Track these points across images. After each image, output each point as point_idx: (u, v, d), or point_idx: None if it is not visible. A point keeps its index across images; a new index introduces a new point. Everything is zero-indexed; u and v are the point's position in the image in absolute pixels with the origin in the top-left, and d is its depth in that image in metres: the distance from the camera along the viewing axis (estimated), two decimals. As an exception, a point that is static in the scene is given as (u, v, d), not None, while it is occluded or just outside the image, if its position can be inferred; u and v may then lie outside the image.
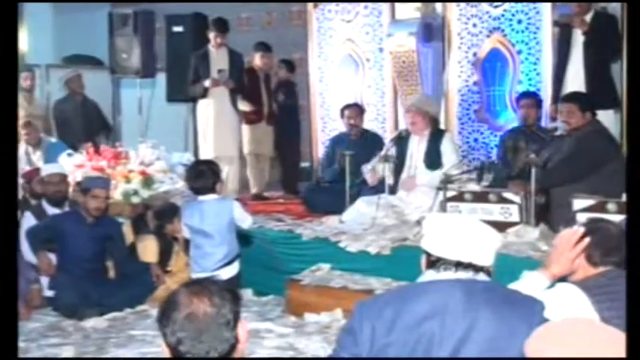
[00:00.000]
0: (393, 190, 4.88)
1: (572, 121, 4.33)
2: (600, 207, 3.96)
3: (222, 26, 5.92)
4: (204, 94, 5.88)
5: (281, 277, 4.57)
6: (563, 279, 2.16)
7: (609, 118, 4.59)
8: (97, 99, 7.01)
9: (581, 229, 2.15)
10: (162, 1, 7.01)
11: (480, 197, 4.41)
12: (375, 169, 4.90)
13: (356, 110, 5.74)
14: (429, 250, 1.84)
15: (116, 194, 5.35)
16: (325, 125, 6.42)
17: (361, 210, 4.81)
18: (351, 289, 4.21)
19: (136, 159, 5.74)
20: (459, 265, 1.79)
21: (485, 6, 5.41)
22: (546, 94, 5.08)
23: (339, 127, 6.03)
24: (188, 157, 6.07)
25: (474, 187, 4.51)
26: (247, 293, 4.58)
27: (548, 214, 4.34)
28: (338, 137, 5.89)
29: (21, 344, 3.52)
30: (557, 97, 4.76)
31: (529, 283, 2.09)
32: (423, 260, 1.87)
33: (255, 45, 6.41)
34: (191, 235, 4.21)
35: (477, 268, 1.79)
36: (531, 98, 4.99)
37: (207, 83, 5.82)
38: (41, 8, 8.24)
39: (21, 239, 4.37)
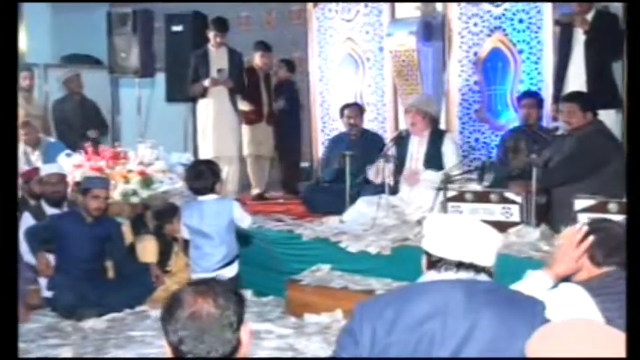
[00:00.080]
0: (393, 191, 4.86)
1: (573, 120, 4.32)
2: (601, 207, 3.96)
3: (221, 25, 5.90)
4: (204, 93, 5.86)
5: (281, 278, 4.56)
6: (566, 279, 2.16)
7: (610, 118, 4.57)
8: (95, 99, 6.98)
9: (585, 227, 2.15)
10: (161, 1, 6.98)
11: (481, 197, 4.41)
12: (378, 168, 4.87)
13: (356, 110, 5.73)
14: (429, 251, 1.84)
15: (115, 194, 5.33)
16: (325, 125, 6.40)
17: (361, 210, 4.80)
18: (351, 290, 4.20)
19: (135, 159, 5.73)
20: (460, 265, 1.78)
21: (486, 5, 5.40)
22: (547, 93, 5.07)
23: (339, 126, 6.01)
24: (187, 157, 6.05)
25: (475, 187, 4.49)
26: (247, 294, 4.56)
27: (550, 214, 4.33)
28: (338, 137, 5.87)
29: (20, 345, 3.49)
30: (558, 97, 4.75)
31: (532, 283, 2.09)
32: (424, 261, 1.86)
33: (255, 44, 6.39)
34: (190, 235, 4.21)
35: (478, 269, 1.79)
36: (532, 98, 4.98)
37: (206, 83, 5.80)
38: (40, 7, 8.22)
39: (19, 240, 4.35)
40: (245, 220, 4.12)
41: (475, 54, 5.47)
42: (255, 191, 6.29)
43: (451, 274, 1.78)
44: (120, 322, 4.28)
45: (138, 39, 6.40)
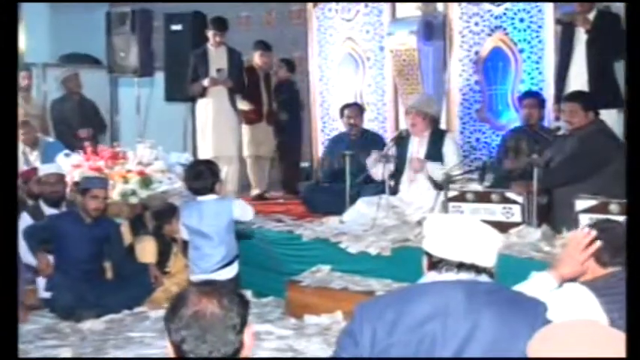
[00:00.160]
0: (393, 191, 4.84)
1: (574, 120, 4.31)
2: (603, 208, 3.95)
3: (221, 25, 5.88)
4: (203, 93, 5.84)
5: (281, 279, 4.55)
6: (571, 280, 2.15)
7: (612, 118, 4.55)
8: (94, 98, 6.96)
9: (593, 232, 2.13)
10: (160, 1, 6.95)
11: (482, 197, 4.40)
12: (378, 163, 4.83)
13: (356, 110, 5.71)
14: (430, 251, 1.83)
15: (114, 194, 5.31)
16: (325, 125, 6.38)
17: (362, 210, 4.78)
18: (351, 291, 4.19)
19: (134, 159, 5.70)
20: (460, 266, 1.78)
21: (487, 4, 5.38)
22: (549, 93, 5.06)
23: (339, 126, 6.00)
24: (187, 157, 6.02)
25: (476, 187, 4.48)
26: (247, 295, 4.54)
27: (551, 214, 4.32)
28: (338, 137, 5.86)
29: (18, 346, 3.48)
30: (559, 97, 4.74)
31: (537, 284, 2.08)
32: (425, 261, 1.86)
33: (255, 44, 6.37)
34: (189, 236, 4.20)
35: (479, 270, 1.78)
36: (533, 98, 4.96)
37: (205, 82, 5.78)
38: (38, 7, 8.19)
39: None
40: (247, 214, 4.12)
41: (476, 53, 5.45)
42: (255, 191, 6.27)
43: (452, 275, 1.77)
44: (118, 323, 4.26)
45: (137, 38, 6.39)
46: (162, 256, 4.70)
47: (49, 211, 4.79)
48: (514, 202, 4.30)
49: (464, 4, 5.45)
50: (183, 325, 1.41)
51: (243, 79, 6.02)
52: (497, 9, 5.34)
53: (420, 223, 4.34)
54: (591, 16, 4.68)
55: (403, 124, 5.41)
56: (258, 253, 4.75)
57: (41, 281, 4.51)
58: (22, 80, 6.43)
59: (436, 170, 4.70)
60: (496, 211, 4.33)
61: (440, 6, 5.54)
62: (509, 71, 5.34)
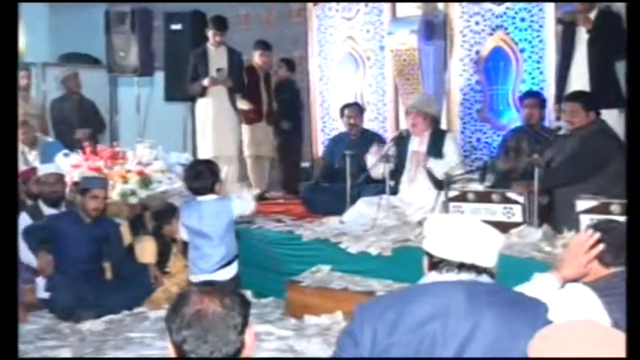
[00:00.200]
0: (394, 191, 4.83)
1: (575, 120, 4.30)
2: (604, 208, 3.94)
3: (220, 24, 5.86)
4: (203, 93, 5.83)
5: (281, 279, 4.54)
6: (573, 280, 2.14)
7: (613, 118, 4.53)
8: (94, 98, 6.94)
9: (597, 234, 2.12)
10: (160, 0, 6.93)
11: (483, 197, 4.40)
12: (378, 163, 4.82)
13: (356, 110, 5.70)
14: (430, 252, 1.83)
15: (113, 194, 5.29)
16: (325, 125, 6.37)
17: (362, 211, 4.77)
18: (351, 291, 4.18)
19: (133, 159, 5.68)
20: (461, 266, 1.77)
21: (487, 3, 5.36)
22: (550, 93, 5.05)
23: (339, 126, 5.99)
24: (186, 157, 6.00)
25: (477, 187, 4.47)
26: (246, 295, 4.53)
27: (552, 214, 4.31)
28: (337, 137, 5.84)
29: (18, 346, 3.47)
30: (560, 97, 4.73)
31: (539, 285, 2.07)
32: (425, 262, 1.86)
33: (255, 43, 6.35)
34: (189, 236, 4.20)
35: (479, 270, 1.78)
36: (534, 97, 4.95)
37: (205, 82, 5.76)
38: (37, 6, 8.16)
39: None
40: (247, 208, 4.15)
41: (477, 53, 5.44)
42: (254, 191, 6.24)
43: (452, 276, 1.77)
44: (118, 324, 4.25)
45: (136, 38, 6.37)
46: (161, 257, 4.69)
47: (48, 211, 4.78)
48: (515, 202, 4.29)
49: (464, 3, 5.44)
50: (184, 324, 1.41)
51: (243, 79, 6.00)
52: (498, 8, 5.33)
53: (420, 223, 4.33)
54: (592, 15, 4.67)
55: (403, 124, 5.40)
56: (257, 254, 4.74)
57: (40, 281, 4.49)
58: (21, 80, 6.40)
59: (437, 166, 4.69)
60: (497, 211, 4.32)
61: (440, 5, 5.53)
62: (510, 71, 5.33)
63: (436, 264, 1.80)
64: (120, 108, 7.95)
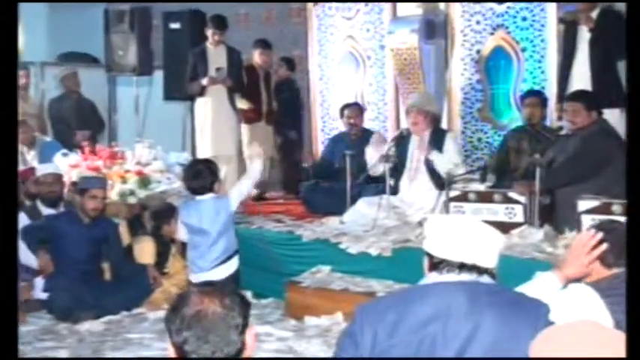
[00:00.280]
0: (394, 191, 4.80)
1: (577, 120, 4.29)
2: (605, 208, 3.93)
3: (220, 23, 5.84)
4: (202, 92, 5.80)
5: (280, 280, 4.52)
6: (575, 280, 2.14)
7: (615, 117, 4.51)
8: (92, 97, 6.92)
9: (600, 234, 2.11)
10: (159, 0, 6.90)
11: (484, 197, 4.39)
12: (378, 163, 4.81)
13: (356, 110, 5.68)
14: (431, 252, 1.82)
15: (112, 194, 5.27)
16: (325, 124, 6.35)
17: (362, 211, 4.76)
18: (351, 292, 4.17)
19: (132, 159, 5.66)
20: (462, 267, 1.77)
21: (488, 3, 5.33)
22: (551, 92, 5.03)
23: (339, 126, 5.97)
24: (185, 157, 5.98)
25: (479, 186, 4.46)
26: (246, 296, 4.51)
27: (553, 214, 4.29)
28: (337, 137, 5.83)
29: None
30: (562, 96, 4.71)
31: (541, 284, 2.07)
32: (426, 262, 1.85)
33: (255, 42, 6.33)
34: (188, 235, 4.18)
35: (480, 270, 1.77)
36: (536, 96, 4.92)
37: (204, 81, 5.74)
38: (36, 5, 8.12)
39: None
40: (245, 189, 4.20)
41: (478, 52, 5.42)
42: (254, 191, 6.22)
43: (453, 276, 1.77)
44: (117, 325, 4.24)
45: (135, 37, 6.35)
46: (160, 257, 4.68)
47: (46, 211, 4.78)
48: (516, 202, 4.28)
49: (465, 2, 5.42)
50: (185, 325, 1.40)
51: (243, 78, 5.98)
52: (499, 7, 5.31)
53: (421, 223, 4.32)
54: (594, 14, 4.65)
55: (404, 124, 5.38)
56: (257, 254, 4.73)
57: (39, 282, 4.48)
58: (20, 79, 6.36)
59: (439, 160, 4.66)
60: (498, 212, 4.31)
61: (441, 4, 5.51)
62: (511, 70, 5.32)
63: (437, 264, 1.80)
64: (119, 107, 7.92)
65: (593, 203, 3.99)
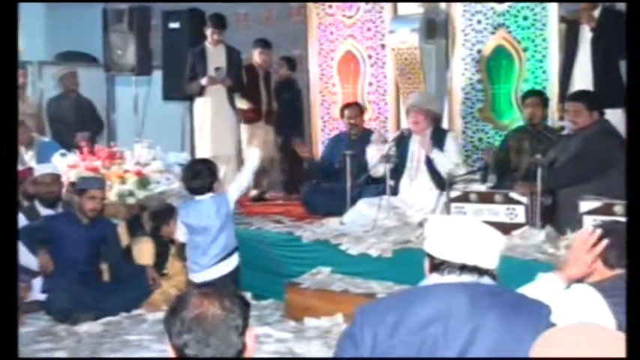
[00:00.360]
0: (394, 191, 4.78)
1: (579, 120, 4.27)
2: (607, 209, 3.92)
3: (219, 22, 5.81)
4: (201, 92, 5.78)
5: (280, 281, 4.50)
6: (578, 281, 2.13)
7: (618, 117, 4.48)
8: (91, 97, 6.90)
9: (599, 231, 2.10)
10: (158, 0, 6.87)
11: (485, 198, 4.38)
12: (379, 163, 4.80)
13: (356, 110, 5.66)
14: (432, 253, 1.82)
15: (111, 195, 5.24)
16: (325, 124, 6.32)
17: (362, 211, 4.75)
18: (352, 293, 4.15)
19: (131, 159, 5.63)
20: (463, 268, 1.76)
21: (489, 2, 5.32)
22: (553, 92, 5.02)
23: (340, 126, 5.95)
24: (185, 157, 5.95)
25: (480, 187, 4.45)
26: (246, 296, 4.49)
27: (555, 215, 4.28)
28: (337, 137, 5.81)
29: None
30: (564, 96, 4.69)
31: (544, 285, 2.06)
32: (426, 263, 1.84)
33: (254, 41, 6.30)
34: (188, 235, 4.18)
35: (481, 272, 1.77)
36: (537, 96, 4.90)
37: (203, 81, 5.71)
38: (34, 4, 8.09)
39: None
40: (244, 179, 4.21)
41: (479, 52, 5.41)
42: (254, 192, 6.20)
43: (454, 277, 1.76)
44: (116, 326, 4.23)
45: (134, 36, 6.32)
46: (159, 258, 4.67)
47: (44, 212, 4.76)
48: (518, 202, 4.26)
49: (466, 2, 5.41)
50: (185, 328, 1.40)
51: (242, 78, 5.96)
52: (500, 6, 5.31)
53: (421, 224, 4.31)
54: (596, 13, 4.62)
55: (405, 124, 5.36)
56: (257, 255, 4.71)
57: (37, 283, 4.47)
58: (18, 79, 6.36)
59: (440, 158, 4.64)
60: (500, 212, 4.30)
61: (442, 3, 5.50)
62: (512, 70, 5.31)
63: (437, 266, 1.79)
64: (117, 107, 7.89)
65: (595, 204, 3.98)
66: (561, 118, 4.71)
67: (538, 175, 4.15)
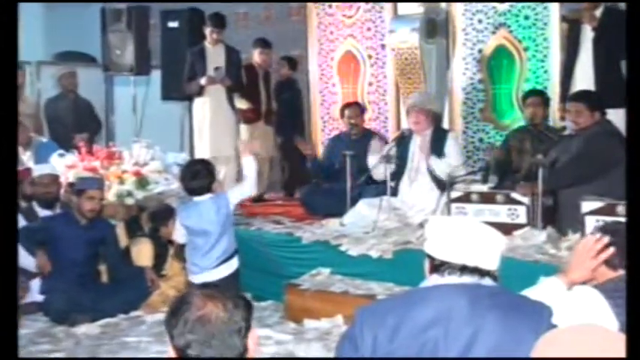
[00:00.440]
0: (395, 192, 4.76)
1: (580, 120, 4.25)
2: (610, 209, 3.90)
3: (218, 22, 5.78)
4: (200, 92, 5.75)
5: (280, 282, 4.49)
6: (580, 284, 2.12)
7: (619, 118, 4.46)
8: (89, 97, 6.87)
9: (606, 238, 2.08)
10: (156, 1, 6.84)
11: (486, 198, 4.36)
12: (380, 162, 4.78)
13: (356, 109, 5.63)
14: (432, 254, 1.81)
15: (109, 195, 5.22)
16: (325, 125, 6.30)
17: (362, 212, 4.73)
18: (352, 294, 4.15)
19: (130, 159, 5.62)
20: (463, 269, 1.75)
21: (490, 2, 5.30)
22: (554, 92, 5.00)
23: (340, 126, 5.93)
24: (184, 157, 5.93)
25: (481, 187, 4.43)
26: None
27: (556, 216, 4.27)
28: (337, 137, 5.79)
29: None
30: (565, 96, 4.67)
31: (546, 289, 2.04)
32: (427, 264, 1.83)
33: (254, 41, 6.27)
34: (188, 237, 4.16)
35: (482, 273, 1.76)
36: (538, 96, 4.88)
37: (203, 81, 5.68)
38: (32, 4, 8.06)
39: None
40: (246, 189, 4.18)
41: (479, 51, 5.38)
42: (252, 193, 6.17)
43: (455, 279, 1.75)
44: (114, 328, 4.22)
45: (133, 36, 6.30)
46: (158, 259, 4.68)
47: (42, 212, 4.75)
48: (519, 202, 4.25)
49: (467, 2, 5.38)
50: (187, 329, 1.39)
51: (242, 78, 5.93)
52: (502, 6, 5.29)
53: (422, 225, 4.30)
54: (598, 13, 4.60)
55: (405, 124, 5.34)
56: (256, 256, 4.70)
57: (35, 284, 4.45)
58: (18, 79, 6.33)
59: (439, 166, 4.64)
60: (501, 213, 4.29)
61: (442, 3, 5.48)
62: (513, 70, 5.29)
63: (438, 267, 1.78)
64: (116, 107, 7.85)
65: (597, 204, 3.97)
66: (562, 118, 4.69)
67: (539, 176, 4.14)
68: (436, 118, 4.92)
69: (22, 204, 4.88)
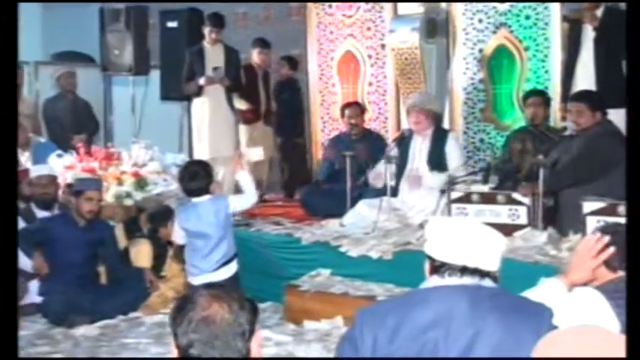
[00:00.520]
0: (395, 193, 4.76)
1: (581, 120, 4.25)
2: (611, 210, 3.90)
3: (217, 21, 5.76)
4: (199, 92, 5.73)
5: (279, 283, 4.47)
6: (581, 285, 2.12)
7: (621, 117, 4.44)
8: (88, 97, 6.86)
9: (606, 238, 2.08)
10: (155, 1, 6.82)
11: (487, 199, 4.35)
12: (379, 171, 4.78)
13: (356, 109, 5.62)
14: (432, 255, 1.80)
15: (108, 196, 5.22)
16: (325, 125, 6.29)
17: (362, 213, 4.72)
18: (352, 296, 4.14)
19: (128, 160, 5.61)
20: (464, 270, 1.75)
21: (491, 1, 5.29)
22: (555, 92, 4.99)
23: (340, 126, 5.91)
24: (182, 158, 5.92)
25: (482, 188, 4.42)
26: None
27: (557, 216, 4.26)
28: (337, 137, 5.77)
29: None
30: (566, 96, 4.66)
31: (546, 290, 2.04)
32: (427, 265, 1.83)
33: (253, 41, 6.26)
34: (187, 238, 4.15)
35: (482, 274, 1.76)
36: (539, 96, 4.86)
37: (202, 81, 5.66)
38: (30, 3, 8.04)
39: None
40: (248, 200, 4.15)
41: (480, 51, 5.37)
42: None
43: (455, 280, 1.75)
44: (113, 329, 4.21)
45: (131, 36, 6.29)
46: (157, 260, 4.67)
47: (40, 213, 4.74)
48: (520, 203, 4.24)
49: (467, 1, 5.37)
50: (191, 329, 1.39)
51: (241, 78, 5.92)
52: (502, 5, 5.28)
53: (422, 226, 4.30)
54: (599, 13, 4.59)
55: (405, 124, 5.34)
56: (256, 257, 4.69)
57: (33, 285, 4.44)
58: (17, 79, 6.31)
59: (435, 180, 4.63)
60: (501, 213, 4.28)
61: (442, 3, 5.46)
62: (514, 70, 5.28)
63: (438, 268, 1.77)
64: (114, 108, 7.84)
65: (599, 205, 3.96)
66: (563, 119, 4.68)
67: (540, 176, 4.13)
68: (436, 118, 4.92)
69: (20, 205, 4.87)
